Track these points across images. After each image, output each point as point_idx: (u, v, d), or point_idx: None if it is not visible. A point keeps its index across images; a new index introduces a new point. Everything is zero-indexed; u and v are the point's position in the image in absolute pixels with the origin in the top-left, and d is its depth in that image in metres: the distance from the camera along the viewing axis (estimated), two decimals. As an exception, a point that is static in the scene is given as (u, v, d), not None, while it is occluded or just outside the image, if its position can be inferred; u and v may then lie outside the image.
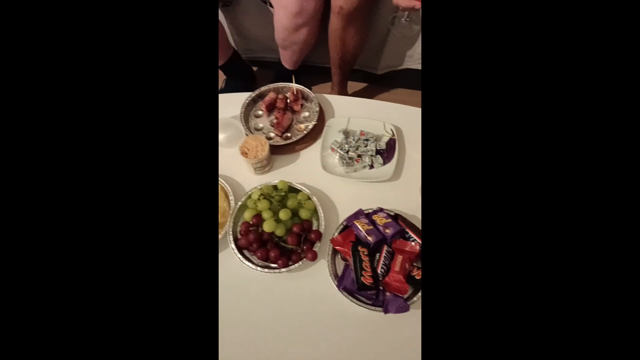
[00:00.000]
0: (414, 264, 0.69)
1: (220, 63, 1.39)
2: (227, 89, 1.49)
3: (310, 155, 0.87)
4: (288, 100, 0.94)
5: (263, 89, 0.97)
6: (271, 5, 1.23)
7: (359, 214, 0.73)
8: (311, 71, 1.46)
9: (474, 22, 0.36)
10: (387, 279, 0.66)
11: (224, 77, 1.49)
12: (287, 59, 1.31)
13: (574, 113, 0.34)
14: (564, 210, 0.34)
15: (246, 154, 0.79)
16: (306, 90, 0.96)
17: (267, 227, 0.70)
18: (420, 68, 1.42)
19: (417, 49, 1.38)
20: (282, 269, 0.70)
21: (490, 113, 0.35)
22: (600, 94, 0.34)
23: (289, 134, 0.91)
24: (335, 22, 1.07)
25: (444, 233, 0.36)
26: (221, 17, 1.34)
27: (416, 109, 0.92)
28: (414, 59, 1.43)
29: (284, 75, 1.41)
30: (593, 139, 0.33)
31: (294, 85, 0.96)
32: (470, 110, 0.36)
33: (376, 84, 1.58)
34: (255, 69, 1.59)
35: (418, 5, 0.79)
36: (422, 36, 1.35)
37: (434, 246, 0.36)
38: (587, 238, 0.33)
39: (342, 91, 1.37)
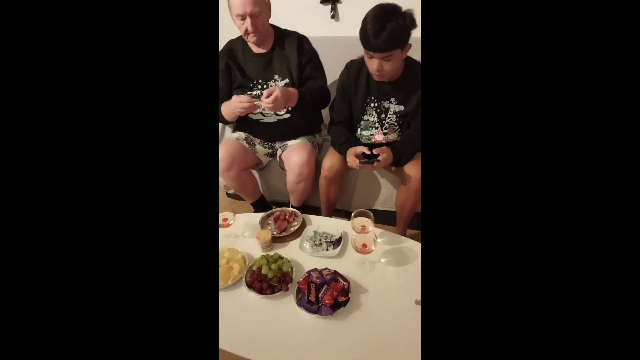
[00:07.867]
0: (340, 295, 1.25)
1: (251, 201, 2.20)
2: (254, 217, 2.26)
3: (295, 243, 1.54)
4: (286, 215, 1.67)
5: (274, 210, 1.71)
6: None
7: (314, 270, 1.34)
8: (310, 210, 2.24)
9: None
10: (324, 298, 1.22)
11: (253, 209, 2.28)
12: (293, 200, 2.11)
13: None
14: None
15: (259, 238, 1.47)
16: (296, 211, 1.69)
17: (264, 270, 1.32)
18: (385, 209, 2.14)
19: (382, 195, 2.13)
20: (269, 295, 1.28)
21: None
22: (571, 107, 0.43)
23: (284, 233, 1.59)
24: (322, 183, 1.89)
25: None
26: (255, 174, 2.22)
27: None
28: (379, 203, 2.17)
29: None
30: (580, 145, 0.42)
31: (289, 209, 1.70)
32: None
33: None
34: (273, 207, 2.40)
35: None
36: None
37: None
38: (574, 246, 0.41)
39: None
